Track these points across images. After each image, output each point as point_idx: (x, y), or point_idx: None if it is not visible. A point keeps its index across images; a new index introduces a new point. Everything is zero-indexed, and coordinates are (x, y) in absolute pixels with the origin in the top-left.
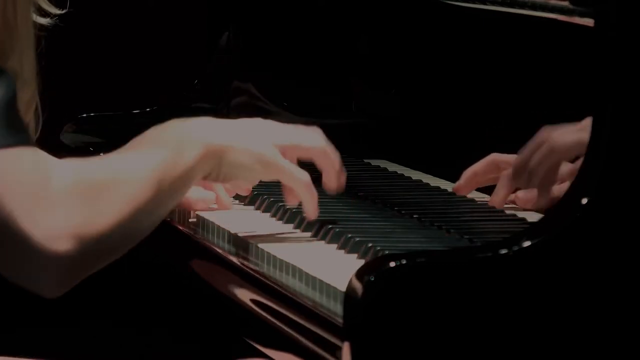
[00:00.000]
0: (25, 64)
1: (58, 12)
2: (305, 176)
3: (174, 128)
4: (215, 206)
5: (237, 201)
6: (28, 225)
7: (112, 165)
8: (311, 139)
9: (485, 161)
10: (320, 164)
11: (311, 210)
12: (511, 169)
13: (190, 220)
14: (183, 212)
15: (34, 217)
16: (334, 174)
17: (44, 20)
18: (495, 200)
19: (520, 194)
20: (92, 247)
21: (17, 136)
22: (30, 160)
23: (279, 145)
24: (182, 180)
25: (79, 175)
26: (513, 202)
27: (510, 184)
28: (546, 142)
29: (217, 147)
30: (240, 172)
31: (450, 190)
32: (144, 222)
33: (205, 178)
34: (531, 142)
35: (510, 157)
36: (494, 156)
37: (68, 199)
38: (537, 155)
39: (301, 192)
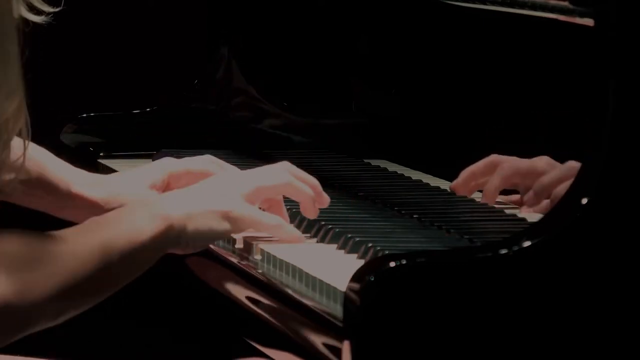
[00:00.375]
0: (9, 73)
1: (51, 10)
2: (274, 220)
3: (134, 206)
4: None
5: None
6: None
7: (52, 239)
8: (273, 177)
9: (484, 162)
10: (291, 197)
11: (296, 241)
12: (509, 164)
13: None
14: None
15: None
16: (308, 203)
17: (37, 19)
18: (488, 190)
19: (527, 197)
20: (22, 318)
21: None
22: None
23: (244, 194)
24: (140, 255)
25: (13, 246)
26: (514, 202)
27: (507, 177)
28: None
29: (177, 217)
30: (211, 234)
31: (450, 190)
32: (90, 294)
33: (175, 250)
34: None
35: (510, 159)
36: (494, 157)
37: (3, 272)
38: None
39: (276, 235)
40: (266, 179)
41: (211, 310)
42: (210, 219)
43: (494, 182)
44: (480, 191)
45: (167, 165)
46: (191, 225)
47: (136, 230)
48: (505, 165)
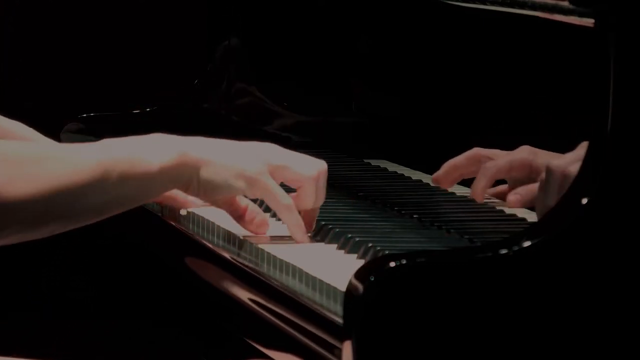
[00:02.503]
0: None
1: None
2: (287, 199)
3: (162, 136)
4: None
5: None
6: None
7: (51, 145)
8: (305, 166)
9: (466, 155)
10: (305, 192)
11: (298, 235)
12: (492, 163)
13: (181, 214)
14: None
15: None
16: (311, 211)
17: None
18: (475, 191)
19: (511, 196)
20: (6, 211)
21: None
22: None
23: (271, 165)
24: (142, 181)
25: (8, 144)
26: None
27: (492, 176)
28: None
29: (194, 159)
30: (220, 187)
31: (450, 190)
32: (78, 206)
33: (185, 191)
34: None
35: (492, 152)
36: (476, 150)
37: None
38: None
39: (284, 217)
40: (298, 164)
41: (210, 310)
42: (225, 171)
43: (480, 184)
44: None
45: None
46: (206, 171)
47: (145, 156)
48: (488, 165)
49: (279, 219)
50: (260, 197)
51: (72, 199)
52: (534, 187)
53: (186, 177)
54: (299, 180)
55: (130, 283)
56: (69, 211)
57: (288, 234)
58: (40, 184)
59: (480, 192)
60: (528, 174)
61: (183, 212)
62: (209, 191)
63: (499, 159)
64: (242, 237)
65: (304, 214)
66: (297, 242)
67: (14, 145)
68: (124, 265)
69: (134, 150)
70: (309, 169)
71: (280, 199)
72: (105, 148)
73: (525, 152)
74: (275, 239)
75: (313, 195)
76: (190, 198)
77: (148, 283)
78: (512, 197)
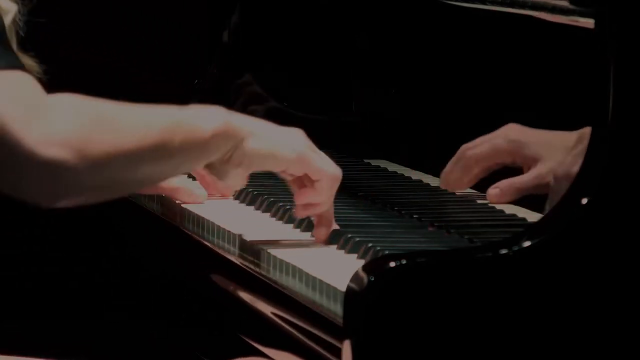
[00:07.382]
0: None
1: None
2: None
3: (207, 107)
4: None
5: (237, 201)
6: (20, 129)
7: (125, 106)
8: (330, 164)
9: (454, 160)
10: (321, 188)
11: (322, 231)
12: (472, 152)
13: (187, 217)
14: (181, 211)
15: (28, 123)
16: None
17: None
18: (453, 180)
19: (491, 190)
20: (89, 165)
21: (9, 58)
22: (26, 80)
23: (302, 152)
24: (194, 147)
25: (86, 101)
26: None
27: (469, 167)
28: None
29: (238, 129)
30: (265, 158)
31: (449, 190)
32: (143, 169)
33: (225, 162)
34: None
35: (476, 142)
36: (460, 150)
37: (69, 113)
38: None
39: (327, 189)
40: (320, 161)
41: (211, 310)
42: (273, 143)
43: (455, 174)
44: (479, 189)
45: None
46: (252, 142)
47: (199, 122)
48: (467, 154)
49: (280, 219)
50: (304, 170)
51: (145, 162)
52: (515, 181)
53: (229, 145)
54: (320, 178)
55: (127, 284)
56: (140, 175)
57: (288, 234)
58: (118, 142)
59: (456, 183)
60: (512, 162)
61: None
62: (248, 162)
63: (478, 146)
64: (242, 238)
65: (318, 219)
66: (318, 238)
67: (91, 103)
68: (123, 264)
69: (193, 117)
70: (332, 169)
71: (328, 170)
72: (167, 111)
73: (507, 140)
74: (276, 239)
75: (326, 193)
76: (197, 192)
77: (146, 282)
78: (491, 190)
